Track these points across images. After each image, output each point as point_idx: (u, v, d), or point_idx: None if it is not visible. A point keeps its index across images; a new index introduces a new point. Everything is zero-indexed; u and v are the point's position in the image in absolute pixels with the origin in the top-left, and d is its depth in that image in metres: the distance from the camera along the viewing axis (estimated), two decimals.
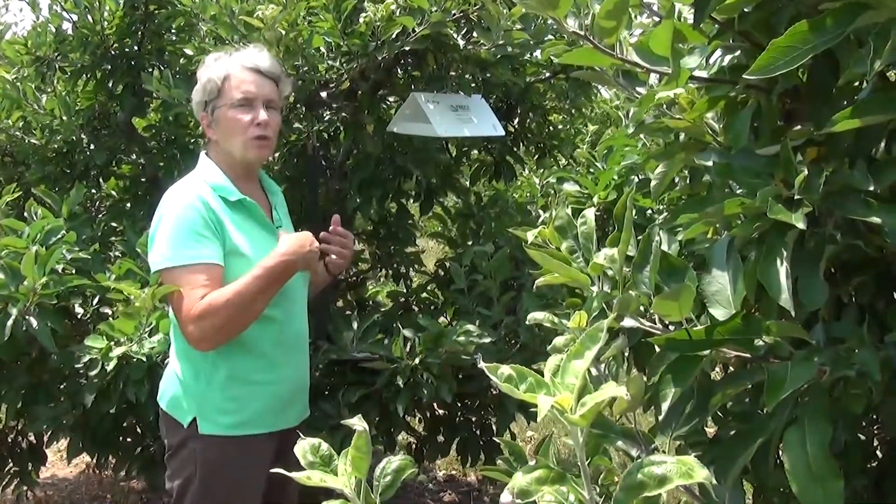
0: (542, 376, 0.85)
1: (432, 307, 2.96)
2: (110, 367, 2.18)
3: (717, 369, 1.29)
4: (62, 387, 2.47)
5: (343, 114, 2.61)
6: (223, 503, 1.92)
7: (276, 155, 2.81)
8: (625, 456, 1.10)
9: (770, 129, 1.10)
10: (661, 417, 1.03)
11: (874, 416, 1.13)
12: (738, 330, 0.98)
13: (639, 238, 1.10)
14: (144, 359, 2.19)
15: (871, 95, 0.96)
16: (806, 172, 0.96)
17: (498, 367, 0.84)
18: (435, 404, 2.80)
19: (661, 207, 1.99)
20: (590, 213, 1.22)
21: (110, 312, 2.43)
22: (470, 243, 2.96)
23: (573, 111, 3.64)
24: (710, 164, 1.11)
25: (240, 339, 1.87)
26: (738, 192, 1.04)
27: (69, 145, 2.93)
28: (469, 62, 2.62)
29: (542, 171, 3.49)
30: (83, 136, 2.90)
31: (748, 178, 1.02)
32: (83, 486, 3.74)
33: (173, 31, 2.89)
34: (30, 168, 2.99)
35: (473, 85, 2.77)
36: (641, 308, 1.08)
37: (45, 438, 2.75)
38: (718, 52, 1.16)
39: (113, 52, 2.82)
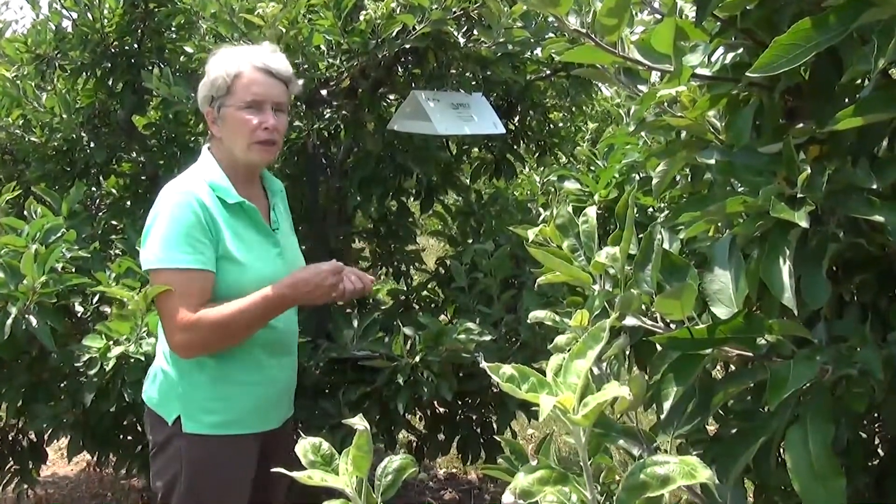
0: (544, 375, 0.85)
1: (433, 305, 2.96)
2: (109, 366, 2.18)
3: (719, 368, 1.28)
4: (62, 385, 2.47)
5: (343, 112, 2.61)
6: (209, 503, 1.89)
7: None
8: (626, 455, 1.10)
9: (772, 126, 1.10)
10: (662, 416, 1.02)
11: (876, 415, 1.13)
12: (740, 328, 0.97)
13: (640, 236, 1.09)
14: (143, 358, 2.18)
15: (874, 93, 0.95)
16: (808, 170, 0.96)
17: (500, 367, 0.83)
18: (435, 402, 2.80)
19: (663, 206, 1.99)
20: (591, 212, 1.21)
21: (110, 311, 2.42)
22: (470, 241, 2.95)
23: (574, 109, 3.64)
24: (711, 162, 1.11)
25: None
26: (740, 190, 1.04)
27: (69, 143, 2.93)
28: (469, 60, 2.62)
29: (542, 169, 3.49)
30: (83, 134, 2.90)
31: (750, 177, 1.02)
32: (83, 484, 3.74)
33: (173, 29, 2.88)
34: (30, 166, 2.99)
35: (474, 83, 2.77)
36: (643, 307, 1.07)
37: (46, 437, 2.74)
38: (720, 50, 1.16)
39: (113, 50, 2.81)
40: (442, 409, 2.93)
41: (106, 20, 2.77)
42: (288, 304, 1.86)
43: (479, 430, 2.93)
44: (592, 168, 2.62)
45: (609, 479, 1.11)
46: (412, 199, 3.22)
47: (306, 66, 2.40)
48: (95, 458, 2.84)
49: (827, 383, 0.94)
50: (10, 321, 2.15)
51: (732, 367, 1.13)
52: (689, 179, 1.41)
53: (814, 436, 0.90)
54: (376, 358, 2.48)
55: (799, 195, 0.95)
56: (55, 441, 2.75)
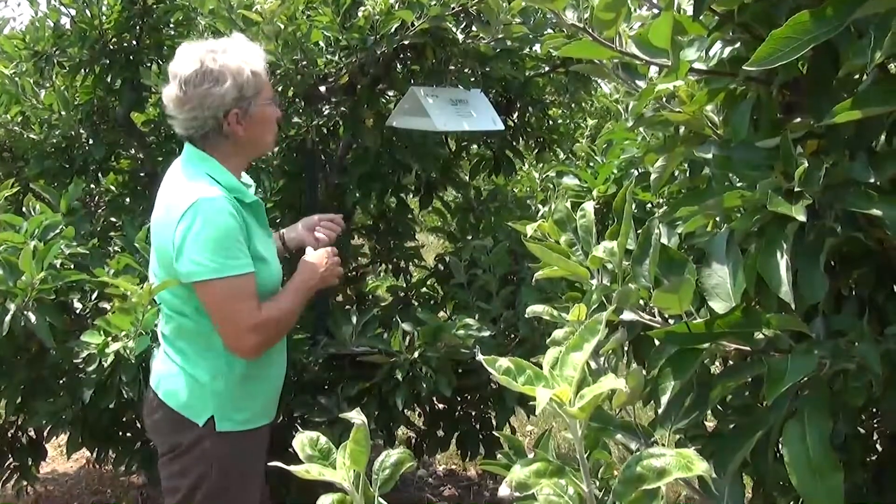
0: (541, 369, 0.85)
1: (432, 301, 2.96)
2: (107, 362, 2.18)
3: (717, 362, 1.29)
4: (61, 382, 2.47)
5: (342, 108, 2.60)
6: (236, 496, 1.93)
7: (276, 150, 2.81)
8: (624, 449, 1.10)
9: (770, 121, 1.10)
10: (660, 411, 1.03)
11: (874, 410, 1.13)
12: (738, 323, 0.97)
13: (638, 231, 1.09)
14: (141, 355, 2.18)
15: (872, 87, 0.95)
16: (806, 165, 0.96)
17: (496, 360, 0.84)
18: (434, 398, 2.79)
19: (661, 201, 1.99)
20: (589, 207, 1.21)
21: (109, 307, 2.42)
22: (469, 238, 2.95)
23: (573, 105, 3.63)
24: (709, 156, 1.11)
25: None
26: (738, 184, 1.04)
27: (68, 140, 2.92)
28: (468, 56, 2.61)
29: (541, 165, 3.49)
30: (82, 130, 2.89)
31: (748, 171, 1.02)
32: (83, 480, 3.75)
33: (172, 25, 2.88)
34: (28, 163, 2.98)
35: (473, 79, 2.76)
36: (641, 301, 1.07)
37: (45, 433, 2.75)
38: (718, 45, 1.15)
39: (111, 47, 2.81)
40: (441, 405, 2.93)
41: (104, 17, 2.76)
42: (313, 291, 2.01)
43: (478, 426, 2.93)
44: (591, 164, 2.62)
45: (607, 474, 1.11)
46: (411, 195, 3.21)
47: (305, 62, 2.39)
48: (95, 455, 2.84)
49: (825, 378, 0.94)
50: (8, 318, 2.15)
51: (730, 362, 1.13)
52: (688, 174, 1.41)
53: (811, 430, 0.90)
54: (375, 354, 2.48)
55: (796, 189, 0.95)
56: (54, 438, 2.75)
